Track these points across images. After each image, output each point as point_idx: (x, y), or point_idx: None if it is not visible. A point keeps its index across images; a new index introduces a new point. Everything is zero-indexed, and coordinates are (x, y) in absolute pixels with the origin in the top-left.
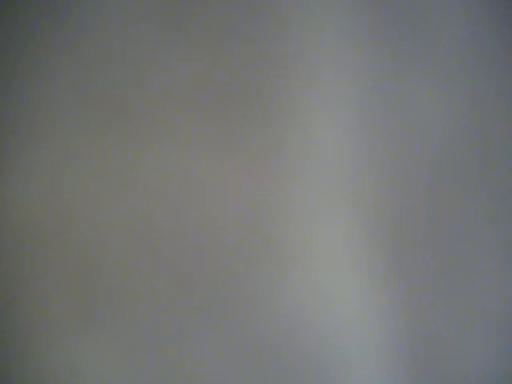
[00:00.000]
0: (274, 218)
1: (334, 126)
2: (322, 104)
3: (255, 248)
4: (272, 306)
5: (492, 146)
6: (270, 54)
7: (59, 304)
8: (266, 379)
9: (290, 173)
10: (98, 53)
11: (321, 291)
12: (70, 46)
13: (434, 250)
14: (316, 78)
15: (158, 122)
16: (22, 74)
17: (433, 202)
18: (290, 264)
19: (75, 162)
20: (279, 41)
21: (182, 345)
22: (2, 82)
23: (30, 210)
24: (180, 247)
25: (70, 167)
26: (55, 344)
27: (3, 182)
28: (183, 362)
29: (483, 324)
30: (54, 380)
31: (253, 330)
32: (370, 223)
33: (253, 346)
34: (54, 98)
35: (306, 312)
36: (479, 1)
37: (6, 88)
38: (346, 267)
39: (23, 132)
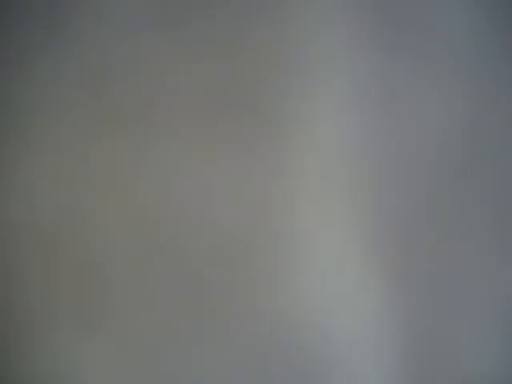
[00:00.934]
0: (275, 218)
1: (334, 126)
2: (323, 104)
3: (257, 249)
4: (274, 306)
5: (492, 145)
6: (270, 55)
7: (60, 304)
8: (267, 379)
9: (290, 174)
10: (100, 55)
11: (322, 291)
12: (71, 48)
13: (434, 249)
14: (316, 78)
15: (160, 123)
16: (24, 75)
17: (432, 201)
18: (291, 264)
19: (77, 162)
20: (279, 41)
21: (183, 345)
22: (4, 83)
23: (32, 210)
24: (182, 248)
25: (71, 167)
26: (56, 344)
27: (5, 182)
28: (184, 362)
29: (483, 322)
30: (54, 380)
31: (254, 331)
32: (371, 223)
33: (254, 346)
34: (56, 98)
35: (308, 312)
36: (480, 3)
37: (7, 88)
38: (346, 267)
39: (25, 132)
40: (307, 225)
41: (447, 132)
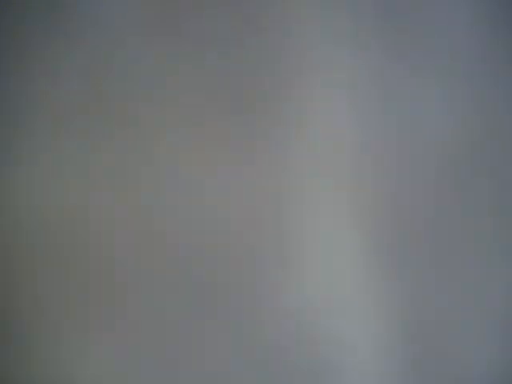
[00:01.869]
0: (275, 218)
1: (334, 126)
2: (323, 104)
3: (257, 249)
4: (275, 305)
5: (492, 145)
6: (270, 55)
7: (61, 304)
8: (270, 378)
9: (290, 174)
10: (99, 55)
11: (322, 291)
12: (71, 49)
13: (434, 248)
14: (317, 78)
15: (160, 123)
16: (24, 75)
17: (433, 200)
18: (291, 264)
19: (77, 162)
20: (279, 42)
21: (185, 345)
22: (4, 83)
23: (33, 210)
24: (183, 248)
25: (72, 168)
26: (57, 344)
27: (5, 182)
28: (186, 363)
29: (483, 322)
30: (55, 380)
31: (256, 331)
32: (371, 223)
33: (255, 346)
34: (56, 98)
35: (308, 312)
36: (480, 4)
37: (7, 88)
38: (347, 267)
39: (26, 132)
40: (307, 225)
41: (447, 132)
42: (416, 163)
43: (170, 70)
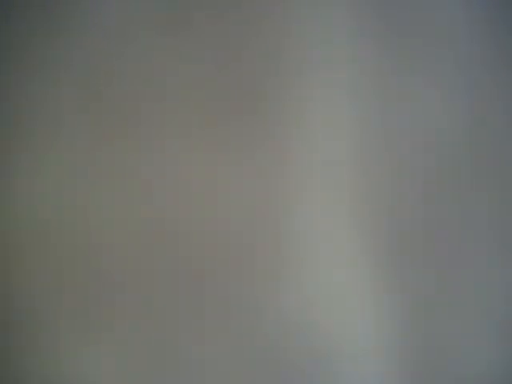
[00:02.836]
0: (275, 218)
1: (334, 126)
2: (323, 105)
3: (257, 249)
4: (275, 305)
5: (493, 146)
6: (270, 55)
7: (62, 306)
8: (270, 378)
9: (290, 174)
10: (100, 55)
11: (322, 291)
12: (72, 49)
13: (433, 247)
14: (317, 79)
15: (160, 124)
16: (24, 74)
17: (433, 200)
18: (291, 264)
19: (78, 163)
20: (279, 42)
21: (185, 345)
22: (4, 83)
23: (33, 211)
24: (182, 248)
25: (72, 168)
26: (57, 344)
27: (6, 183)
28: (186, 363)
29: (483, 320)
30: (56, 380)
31: (255, 330)
32: (371, 224)
33: (255, 346)
34: (56, 99)
35: (308, 312)
36: (480, 3)
37: (7, 89)
38: (346, 267)
39: (26, 133)
40: (307, 225)
41: (447, 132)
42: (416, 163)
43: (170, 69)
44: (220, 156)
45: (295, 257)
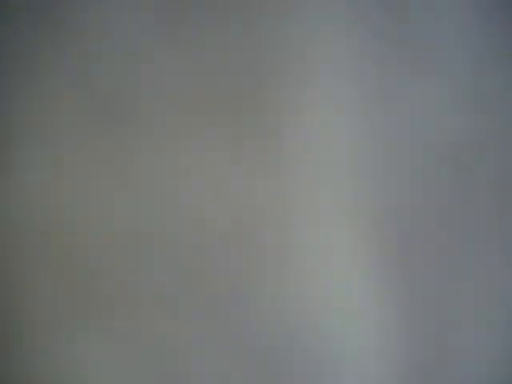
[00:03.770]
0: (274, 217)
1: (333, 127)
2: (322, 105)
3: (256, 248)
4: (274, 306)
5: (493, 145)
6: (269, 54)
7: (62, 305)
8: (269, 378)
9: (290, 174)
10: (99, 53)
11: (321, 291)
12: (71, 49)
13: (434, 248)
14: (316, 79)
15: (159, 123)
16: (24, 74)
17: (433, 201)
18: (291, 264)
19: (75, 162)
20: (279, 41)
21: (184, 345)
22: (3, 82)
23: (30, 210)
24: (181, 248)
25: (69, 167)
26: (57, 345)
27: (5, 182)
28: (185, 362)
29: (484, 320)
30: (55, 380)
31: (254, 330)
32: (371, 223)
33: (253, 346)
34: (54, 97)
35: (307, 312)
36: (481, 3)
37: (6, 88)
38: (347, 267)
39: (23, 132)
40: (307, 224)
41: (448, 132)
42: (416, 163)
43: (170, 69)
44: (220, 156)
45: (295, 257)
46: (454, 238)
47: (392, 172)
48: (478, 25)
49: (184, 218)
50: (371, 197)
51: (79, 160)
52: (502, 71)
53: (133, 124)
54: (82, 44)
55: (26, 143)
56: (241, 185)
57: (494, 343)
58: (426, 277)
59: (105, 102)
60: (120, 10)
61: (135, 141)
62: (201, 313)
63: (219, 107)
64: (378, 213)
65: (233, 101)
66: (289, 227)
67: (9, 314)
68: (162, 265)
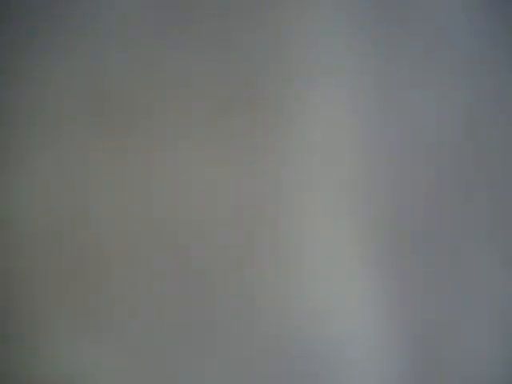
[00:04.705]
0: (275, 218)
1: (334, 127)
2: (322, 106)
3: (258, 249)
4: (274, 306)
5: (493, 146)
6: (271, 56)
7: (61, 305)
8: (269, 379)
9: (290, 174)
10: (100, 55)
11: (321, 291)
12: (72, 48)
13: (434, 249)
14: (316, 80)
15: (160, 123)
16: (24, 74)
17: (433, 201)
18: (291, 264)
19: (78, 164)
20: (280, 42)
21: (185, 347)
22: (3, 83)
23: (33, 212)
24: (183, 248)
25: (72, 170)
26: (57, 346)
27: (5, 184)
28: (186, 365)
29: (484, 320)
30: (55, 380)
31: (255, 331)
32: (371, 225)
33: (255, 347)
34: (57, 99)
35: (308, 312)
36: (480, 4)
37: (6, 88)
38: (347, 267)
39: (25, 134)
40: (308, 225)
41: (448, 132)
42: (416, 164)
43: (170, 69)
44: (220, 156)
45: (295, 257)
46: (453, 238)
47: (392, 172)
48: (478, 25)
49: (184, 218)
50: (371, 199)
51: (79, 160)
52: (502, 71)
53: (133, 125)
54: (82, 45)
55: (28, 146)
56: (241, 185)
57: (494, 343)
58: (426, 276)
59: (105, 102)
60: (120, 9)
61: (136, 141)
62: (201, 313)
63: (221, 109)
64: (378, 213)
65: (233, 101)
66: (289, 227)
67: (9, 314)
68: (161, 265)
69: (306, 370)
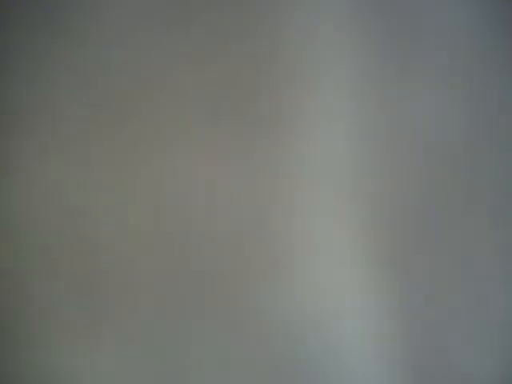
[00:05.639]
0: (275, 218)
1: (333, 127)
2: (322, 106)
3: (258, 248)
4: (274, 305)
5: (493, 147)
6: (271, 56)
7: (61, 305)
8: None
9: (290, 174)
10: (100, 55)
11: (321, 291)
12: (72, 49)
13: (434, 249)
14: (315, 80)
15: (160, 123)
16: (25, 76)
17: (433, 200)
18: (291, 264)
19: (78, 165)
20: (280, 42)
21: (184, 348)
22: (4, 85)
23: (33, 213)
24: (183, 250)
25: (73, 168)
26: (58, 345)
27: (5, 185)
28: (185, 367)
29: (484, 321)
30: (54, 379)
31: (254, 330)
32: (371, 224)
33: (254, 346)
34: (57, 100)
35: (308, 311)
36: (480, 4)
37: (7, 89)
38: (347, 267)
39: (26, 135)
40: (307, 225)
41: (447, 132)
42: (416, 163)
43: (170, 69)
44: (220, 156)
45: (295, 257)
46: (454, 238)
47: (392, 172)
48: (478, 25)
49: (184, 218)
50: (371, 197)
51: (79, 160)
52: (501, 71)
53: (133, 125)
54: (82, 44)
55: (29, 146)
56: (241, 185)
57: (494, 343)
58: (426, 276)
59: (105, 102)
60: (120, 9)
61: (136, 141)
62: (201, 313)
63: (221, 109)
64: (379, 213)
65: (233, 101)
66: (289, 227)
67: (9, 314)
68: (161, 265)
69: (306, 370)
